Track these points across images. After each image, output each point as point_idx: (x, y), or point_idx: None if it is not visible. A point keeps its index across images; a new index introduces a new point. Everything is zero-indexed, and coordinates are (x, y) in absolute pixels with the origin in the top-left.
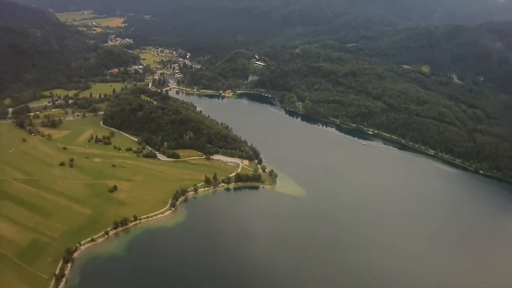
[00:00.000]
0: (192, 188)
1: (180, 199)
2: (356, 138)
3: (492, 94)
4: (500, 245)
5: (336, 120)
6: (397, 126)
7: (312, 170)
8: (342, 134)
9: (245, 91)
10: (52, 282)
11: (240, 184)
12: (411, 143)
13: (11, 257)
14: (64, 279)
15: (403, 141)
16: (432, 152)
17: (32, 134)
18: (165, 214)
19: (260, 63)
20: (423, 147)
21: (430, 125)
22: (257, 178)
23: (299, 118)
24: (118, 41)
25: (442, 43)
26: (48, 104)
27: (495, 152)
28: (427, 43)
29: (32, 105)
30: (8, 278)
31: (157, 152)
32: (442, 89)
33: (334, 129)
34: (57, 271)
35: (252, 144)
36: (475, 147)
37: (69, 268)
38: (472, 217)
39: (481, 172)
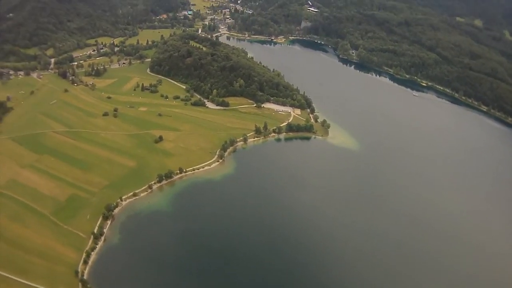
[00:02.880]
0: (241, 138)
1: (228, 150)
2: (409, 89)
3: None
4: None
5: (389, 69)
6: (451, 79)
7: (365, 121)
8: (395, 84)
9: (298, 38)
10: (90, 241)
11: (291, 134)
12: (463, 98)
13: (48, 215)
14: (102, 238)
15: (456, 95)
16: (484, 108)
17: (75, 84)
18: (212, 166)
19: (313, 9)
20: (476, 103)
21: (483, 81)
22: (309, 128)
23: (353, 66)
24: None
25: None
26: (92, 53)
27: None
28: None
29: (75, 54)
30: (44, 237)
31: (206, 100)
32: (495, 44)
33: (387, 79)
34: (95, 229)
35: (304, 93)
36: None
37: (108, 225)
38: None
39: None
